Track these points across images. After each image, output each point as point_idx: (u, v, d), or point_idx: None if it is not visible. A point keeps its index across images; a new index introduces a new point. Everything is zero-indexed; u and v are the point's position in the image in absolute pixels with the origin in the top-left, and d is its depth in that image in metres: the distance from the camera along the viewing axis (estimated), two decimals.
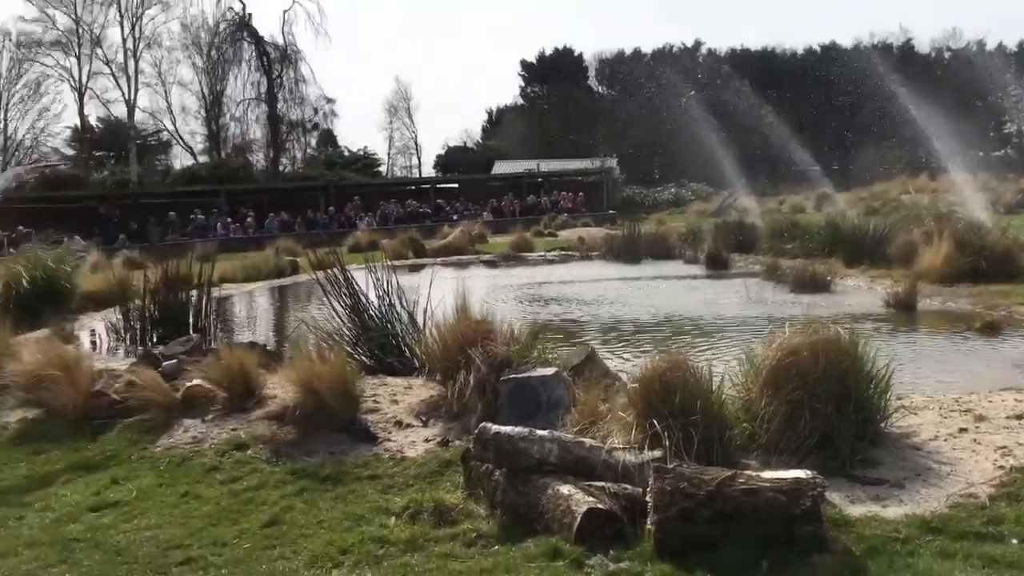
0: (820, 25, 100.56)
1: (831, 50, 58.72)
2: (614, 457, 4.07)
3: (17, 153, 56.10)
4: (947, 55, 60.48)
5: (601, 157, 47.47)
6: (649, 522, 3.58)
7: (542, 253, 22.12)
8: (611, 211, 37.77)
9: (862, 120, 45.26)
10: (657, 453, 4.01)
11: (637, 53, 65.57)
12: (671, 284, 14.25)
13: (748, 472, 3.65)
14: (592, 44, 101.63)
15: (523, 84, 68.95)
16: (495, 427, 4.30)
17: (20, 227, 27.19)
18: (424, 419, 5.62)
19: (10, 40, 52.23)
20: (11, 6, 61.73)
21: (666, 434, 4.09)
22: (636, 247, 18.98)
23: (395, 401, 5.95)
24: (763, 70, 55.33)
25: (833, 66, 47.25)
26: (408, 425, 5.56)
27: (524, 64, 68.23)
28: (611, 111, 58.24)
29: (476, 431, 4.37)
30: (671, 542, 3.47)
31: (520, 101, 69.57)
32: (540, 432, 4.22)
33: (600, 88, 67.58)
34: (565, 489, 3.91)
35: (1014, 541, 3.45)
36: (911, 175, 34.15)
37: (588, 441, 4.26)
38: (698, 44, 65.38)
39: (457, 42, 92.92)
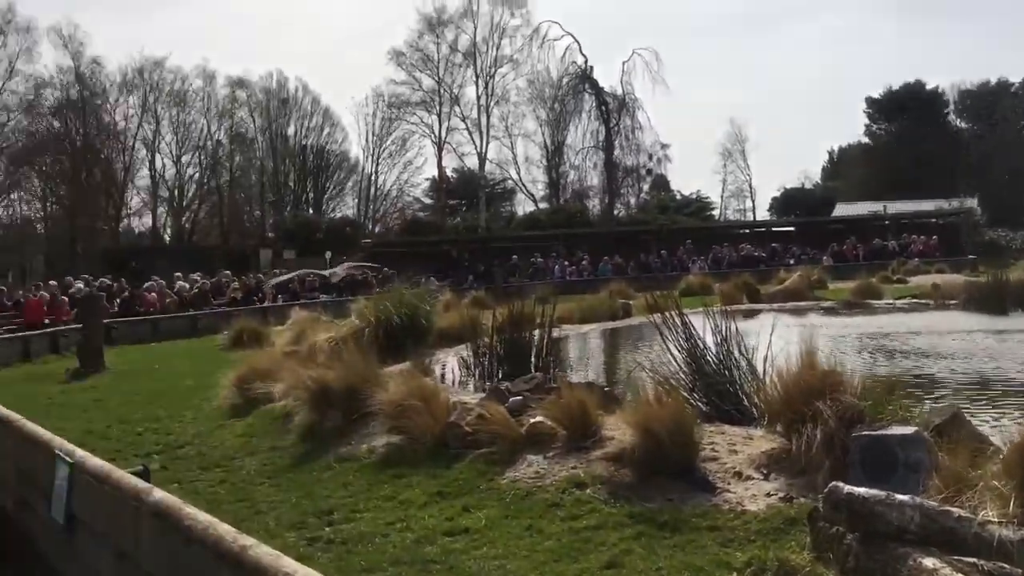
0: None
1: None
2: (988, 531, 3.63)
3: (384, 203, 62.71)
4: None
5: (959, 197, 43.48)
6: None
7: (890, 300, 20.56)
8: (970, 256, 34.35)
9: None
10: None
11: (1003, 84, 59.60)
12: None
13: None
14: (946, 76, 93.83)
15: (868, 121, 65.34)
16: (847, 487, 4.02)
17: (385, 268, 30.27)
18: (765, 472, 5.40)
19: (383, 101, 58.86)
20: (384, 71, 69.31)
21: None
22: (1003, 296, 17.00)
23: (734, 451, 5.78)
24: None
25: None
26: (748, 477, 5.36)
27: (870, 101, 64.65)
28: (971, 147, 53.27)
29: (826, 490, 4.11)
30: None
31: (864, 139, 65.94)
32: (900, 497, 3.88)
33: (959, 122, 62.18)
34: (930, 562, 3.55)
35: None
36: None
37: (956, 511, 3.83)
38: None
39: (795, 81, 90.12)
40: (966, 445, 4.64)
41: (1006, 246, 39.25)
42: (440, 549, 4.83)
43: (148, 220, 57.40)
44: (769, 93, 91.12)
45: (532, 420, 6.51)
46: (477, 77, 57.20)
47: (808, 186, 66.76)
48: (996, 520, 3.73)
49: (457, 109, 57.75)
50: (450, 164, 59.90)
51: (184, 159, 55.66)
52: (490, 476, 6.01)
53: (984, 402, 7.87)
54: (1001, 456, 4.17)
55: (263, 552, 2.46)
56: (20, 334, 19.30)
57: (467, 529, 5.11)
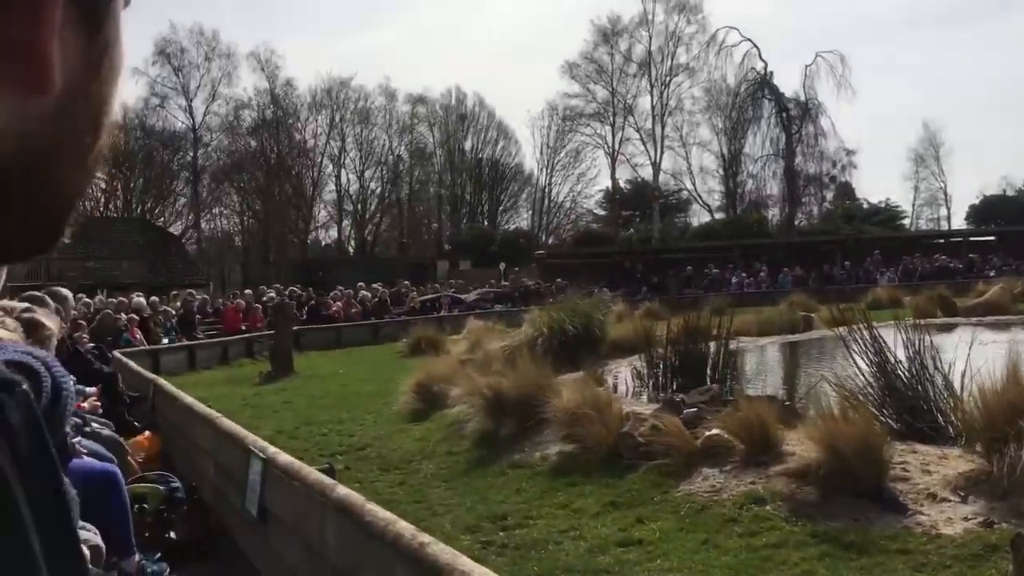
0: None
1: None
2: None
3: (557, 214, 63.28)
4: None
5: None
6: None
7: None
8: None
9: None
10: None
11: None
12: None
13: None
14: None
15: None
16: None
17: (558, 279, 30.49)
18: (963, 494, 5.03)
19: (557, 114, 59.45)
20: (559, 85, 69.96)
21: None
22: None
23: (927, 471, 5.42)
24: None
25: None
26: (943, 499, 5.01)
27: None
28: None
29: None
30: None
31: None
32: None
33: None
34: None
35: None
36: None
37: None
38: None
39: (994, 81, 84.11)
40: None
41: None
42: (613, 559, 4.78)
43: (334, 232, 60.52)
44: (966, 95, 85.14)
45: (708, 433, 6.35)
46: (652, 87, 56.78)
47: (1011, 193, 62.09)
48: None
49: (631, 119, 57.56)
50: (623, 175, 59.72)
51: (367, 174, 58.29)
52: (664, 488, 5.90)
53: None
54: None
55: (440, 550, 2.51)
56: (220, 339, 20.74)
57: (640, 541, 5.04)
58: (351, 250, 58.99)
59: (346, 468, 7.49)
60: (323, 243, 61.13)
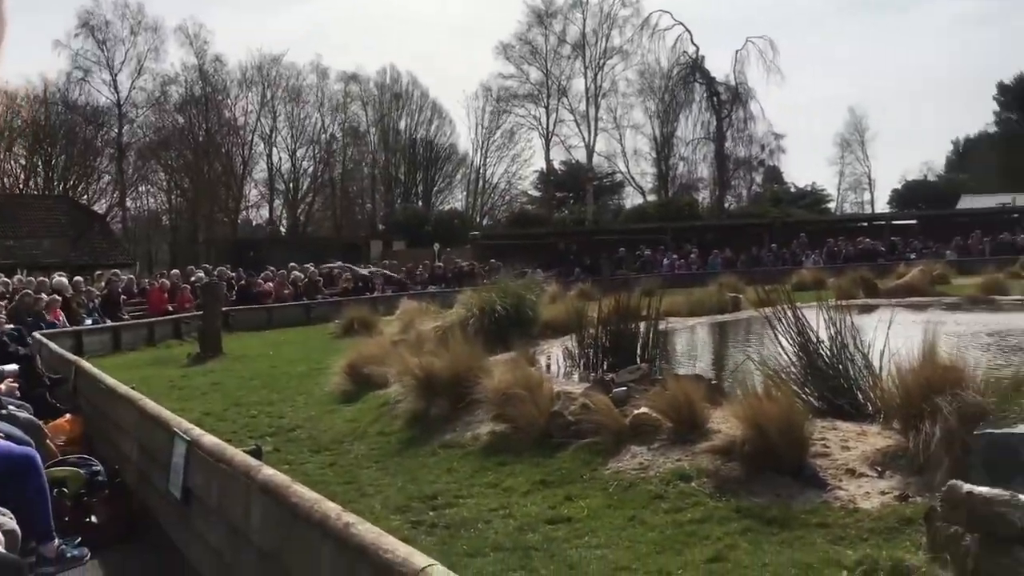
0: None
1: None
2: None
3: (492, 195, 63.24)
4: None
5: None
6: None
7: (1019, 297, 19.54)
8: None
9: None
10: None
11: None
12: None
13: None
14: None
15: (999, 109, 62.09)
16: (968, 486, 3.82)
17: (492, 260, 30.50)
18: (880, 470, 5.19)
19: (491, 95, 59.27)
20: (493, 65, 69.70)
21: None
22: None
23: (846, 447, 5.58)
24: None
25: None
26: (861, 474, 5.17)
27: (1001, 87, 61.42)
28: None
29: (944, 489, 3.93)
30: None
31: (994, 129, 62.72)
32: None
33: None
34: None
35: None
36: None
37: None
38: None
39: (918, 67, 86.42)
40: None
41: None
42: (542, 537, 4.83)
43: (265, 212, 59.55)
44: (891, 82, 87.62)
45: (637, 411, 6.44)
46: (586, 69, 56.94)
47: (932, 178, 64.05)
48: None
49: (565, 101, 57.68)
50: (558, 157, 59.92)
51: (299, 153, 57.44)
52: (593, 466, 5.97)
53: None
54: None
55: (365, 529, 2.50)
56: (146, 320, 20.28)
57: (569, 518, 5.10)
58: (283, 230, 58.13)
59: (275, 450, 7.42)
60: (254, 222, 60.13)
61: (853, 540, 4.30)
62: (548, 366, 10.53)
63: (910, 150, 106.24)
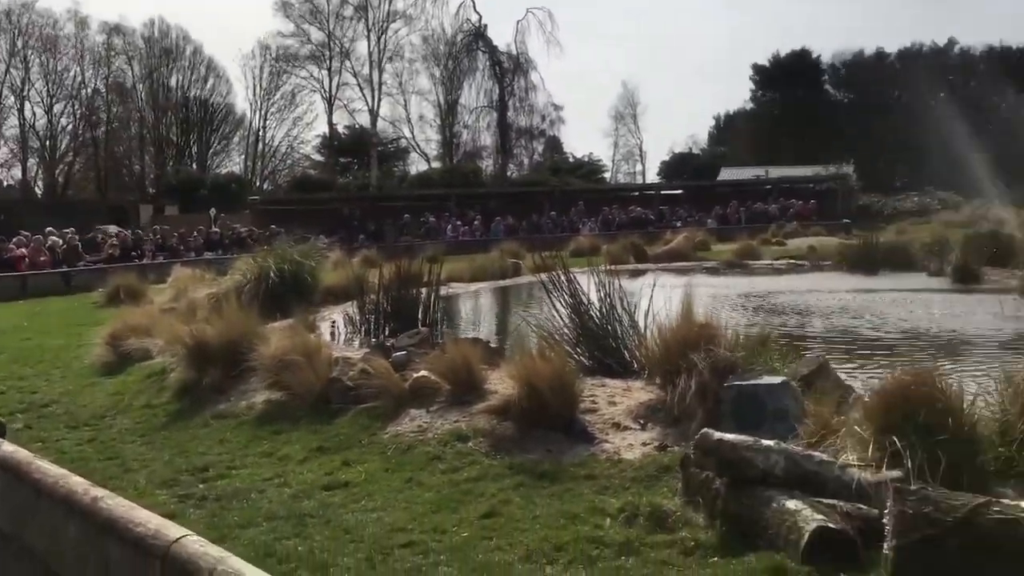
0: None
1: None
2: (848, 474, 3.80)
3: (273, 159, 61.13)
4: None
5: (836, 164, 45.18)
6: (886, 547, 3.30)
7: (769, 261, 21.29)
8: (845, 220, 35.74)
9: None
10: (897, 473, 3.70)
11: (880, 53, 61.99)
12: (912, 297, 13.25)
13: (1006, 501, 3.28)
14: (831, 45, 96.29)
15: (754, 88, 66.97)
16: (717, 434, 4.13)
17: (273, 226, 29.53)
18: (642, 422, 5.51)
19: (270, 54, 57.05)
20: (272, 23, 67.03)
21: (907, 453, 3.76)
22: (873, 257, 17.81)
23: (613, 403, 5.88)
24: None
25: None
26: (626, 427, 5.47)
27: (756, 68, 66.24)
28: (849, 115, 55.40)
29: (697, 437, 4.23)
30: (911, 571, 3.18)
31: (751, 106, 67.63)
32: (766, 442, 4.02)
33: (838, 91, 64.39)
34: (792, 504, 3.69)
35: None
36: None
37: (818, 455, 4.00)
38: (952, 43, 60.86)
39: (686, 45, 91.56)
40: (831, 394, 4.83)
41: (878, 211, 41.01)
42: (318, 503, 4.76)
43: (17, 172, 54.49)
44: (663, 57, 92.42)
45: (416, 375, 6.46)
46: (369, 31, 55.97)
47: (696, 151, 68.24)
48: (856, 464, 3.91)
49: (348, 64, 56.55)
50: (341, 121, 58.74)
51: (56, 108, 52.94)
52: (372, 431, 5.95)
53: (849, 356, 8.24)
54: (863, 403, 4.34)
55: (116, 504, 2.35)
56: None
57: (346, 483, 5.06)
58: (39, 192, 53.47)
59: (26, 427, 6.88)
60: (5, 184, 54.88)
61: (617, 489, 4.54)
62: (332, 333, 10.36)
63: (678, 124, 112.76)
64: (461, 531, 4.22)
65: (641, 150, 67.36)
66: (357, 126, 58.81)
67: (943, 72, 45.28)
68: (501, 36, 61.79)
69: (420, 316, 9.62)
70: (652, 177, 64.14)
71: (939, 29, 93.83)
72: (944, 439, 3.77)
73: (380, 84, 56.20)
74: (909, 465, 3.71)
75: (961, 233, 19.78)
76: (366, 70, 56.18)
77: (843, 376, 5.93)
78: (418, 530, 4.26)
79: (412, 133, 59.10)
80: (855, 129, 54.31)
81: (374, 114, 56.44)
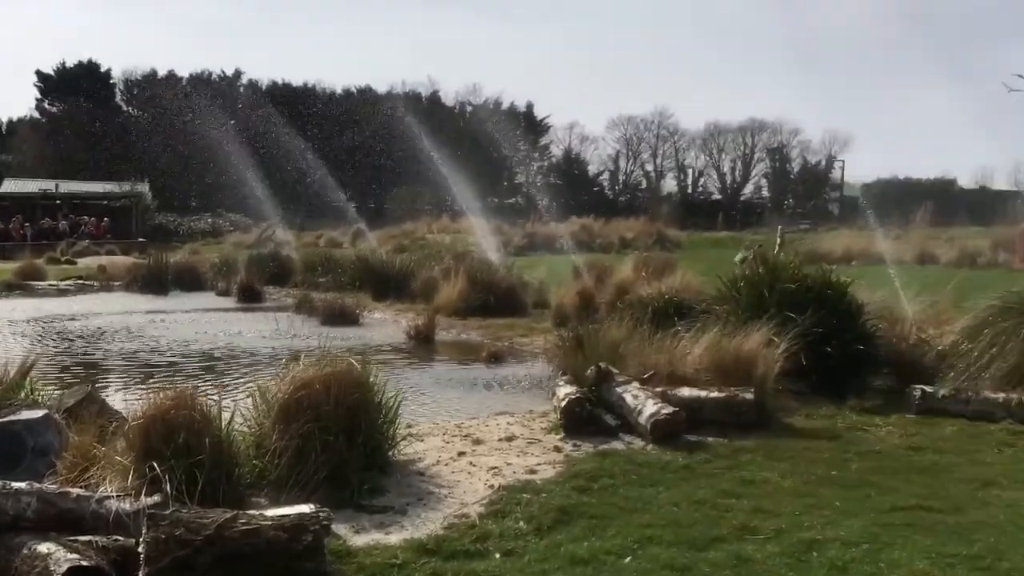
0: (360, 67, 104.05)
1: (367, 93, 61.58)
2: (105, 506, 3.69)
3: None
4: (469, 109, 66.33)
5: (130, 181, 44.40)
6: (141, 574, 3.29)
7: (55, 282, 19.97)
8: (141, 239, 35.42)
9: (395, 162, 47.77)
10: (155, 499, 3.72)
11: (172, 76, 62.72)
12: (199, 317, 13.62)
13: (251, 512, 3.53)
14: (122, 61, 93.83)
15: (39, 97, 62.18)
16: None
17: None
18: None
19: None
20: None
21: (167, 476, 3.80)
22: (164, 277, 17.91)
23: None
24: (303, 106, 56.06)
25: (369, 108, 49.43)
26: None
27: (41, 75, 61.59)
28: (143, 133, 54.94)
29: None
30: None
31: (36, 115, 62.62)
32: (16, 484, 3.70)
33: (130, 109, 63.27)
34: (44, 547, 3.45)
35: (497, 555, 3.73)
36: (436, 216, 36.81)
37: (75, 491, 3.82)
38: (239, 73, 64.45)
39: None
40: (98, 423, 4.65)
41: (174, 230, 41.53)
42: None
43: None
44: None
45: None
46: None
47: None
48: (115, 494, 3.82)
49: None
50: None
51: None
52: None
53: (129, 380, 8.13)
54: (126, 430, 4.27)
55: None
56: None
57: None
58: None
59: None
60: None
61: None
62: None
63: None
64: None
65: None
66: None
67: (232, 100, 47.65)
68: None
69: None
70: None
71: (230, 59, 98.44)
72: (202, 458, 3.92)
73: None
74: (168, 489, 3.76)
75: (247, 254, 21.06)
76: None
77: (122, 403, 5.79)
78: None
79: None
80: (151, 147, 54.09)
81: None
